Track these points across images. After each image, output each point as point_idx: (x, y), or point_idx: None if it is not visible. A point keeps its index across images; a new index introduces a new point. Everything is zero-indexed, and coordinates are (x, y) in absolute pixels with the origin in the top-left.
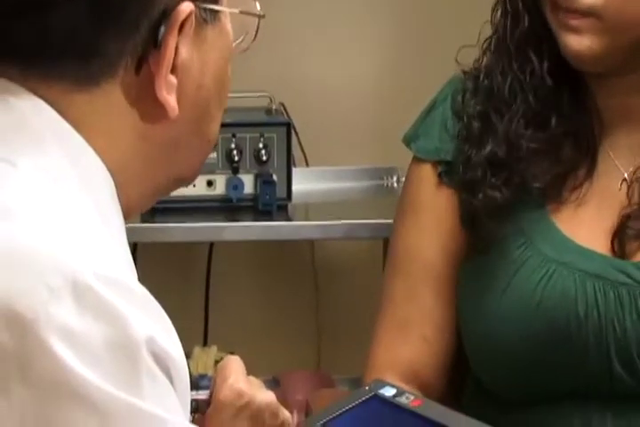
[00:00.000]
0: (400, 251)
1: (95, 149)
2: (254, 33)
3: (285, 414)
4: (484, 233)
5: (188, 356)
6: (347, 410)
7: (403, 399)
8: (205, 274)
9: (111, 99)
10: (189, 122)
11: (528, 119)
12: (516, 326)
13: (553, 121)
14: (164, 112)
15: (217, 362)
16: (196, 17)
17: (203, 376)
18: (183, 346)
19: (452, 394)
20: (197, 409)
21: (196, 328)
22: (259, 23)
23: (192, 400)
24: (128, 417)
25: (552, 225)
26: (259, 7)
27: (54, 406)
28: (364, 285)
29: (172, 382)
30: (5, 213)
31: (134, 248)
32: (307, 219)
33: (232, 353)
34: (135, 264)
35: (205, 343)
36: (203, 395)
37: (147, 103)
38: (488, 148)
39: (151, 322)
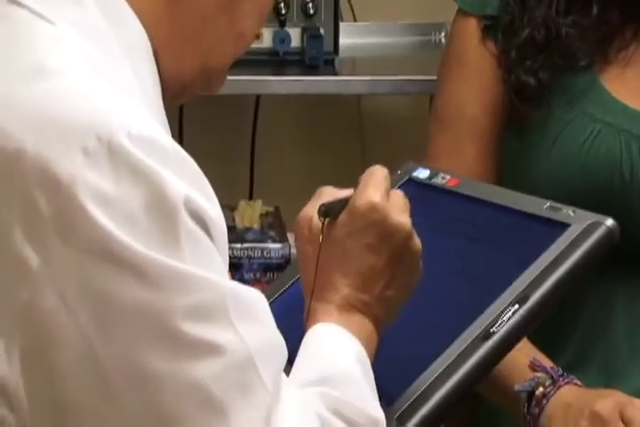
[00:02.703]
0: (444, 106)
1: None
2: None
3: (416, 243)
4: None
5: (233, 209)
6: None
7: (439, 180)
8: (251, 128)
9: None
10: None
11: (569, 3)
12: (561, 187)
13: (595, 4)
14: None
15: (262, 216)
16: None
17: (248, 229)
18: (229, 200)
19: None
20: (328, 213)
21: (242, 182)
22: None
23: (323, 205)
24: (169, 279)
25: (598, 85)
26: None
27: (94, 269)
28: (410, 140)
29: (211, 239)
30: (42, 73)
31: None
32: (353, 74)
33: (277, 207)
34: (182, 118)
35: (251, 197)
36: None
37: None
38: (526, 31)
39: (187, 182)
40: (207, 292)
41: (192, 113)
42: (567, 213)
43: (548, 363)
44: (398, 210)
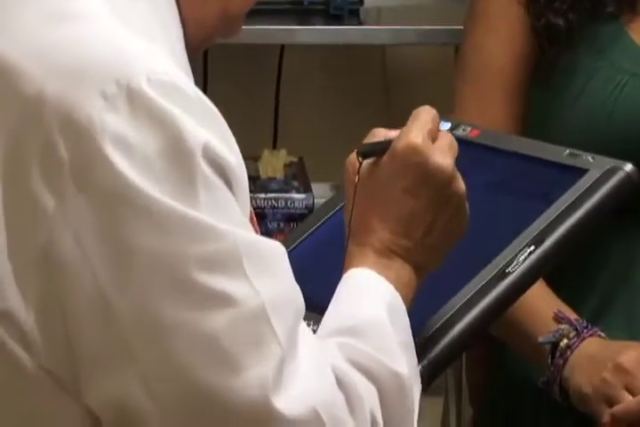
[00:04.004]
0: (471, 58)
1: None
2: None
3: (459, 186)
4: (553, 53)
5: (257, 159)
6: None
7: (460, 131)
8: (276, 78)
9: None
10: None
11: None
12: (586, 137)
13: None
14: None
15: (286, 166)
16: None
17: (271, 179)
18: (253, 149)
19: None
20: (367, 154)
21: (266, 132)
22: None
23: (362, 145)
24: (183, 227)
25: (625, 36)
26: None
27: (109, 214)
28: (434, 91)
29: (230, 188)
30: (64, 16)
31: (205, 50)
32: (378, 23)
33: (301, 158)
34: (206, 67)
35: (275, 147)
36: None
37: None
38: None
39: (207, 128)
40: (221, 242)
41: (216, 62)
42: (586, 159)
43: (572, 315)
44: (440, 152)
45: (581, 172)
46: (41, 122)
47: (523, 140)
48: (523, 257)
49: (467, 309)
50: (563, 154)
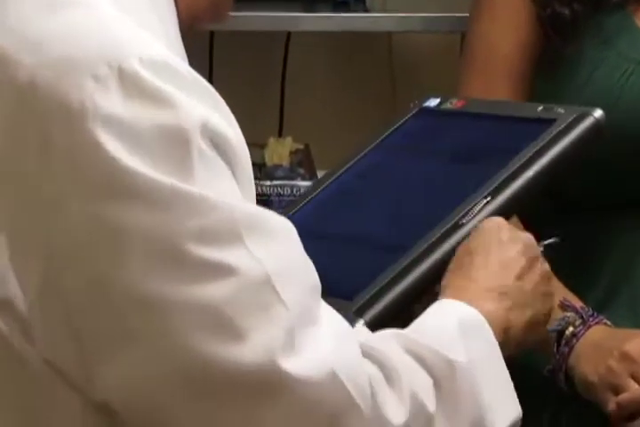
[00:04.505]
0: (476, 46)
1: None
2: None
3: (543, 264)
4: (558, 42)
5: (263, 146)
6: (397, 126)
7: (447, 105)
8: (282, 65)
9: None
10: None
11: None
12: None
13: None
14: None
15: (291, 153)
16: None
17: (277, 167)
18: (259, 137)
19: None
20: None
21: (272, 119)
22: None
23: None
24: (178, 202)
25: (632, 25)
26: None
27: (105, 199)
28: (440, 79)
29: (230, 164)
30: (62, 5)
31: (211, 37)
32: (384, 11)
33: (307, 145)
34: (212, 54)
35: (280, 134)
36: None
37: None
38: None
39: (203, 106)
40: (218, 214)
41: (222, 50)
42: (557, 110)
43: (577, 303)
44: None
45: (551, 122)
46: (35, 109)
47: (503, 102)
48: (478, 208)
49: (415, 264)
50: (537, 109)
